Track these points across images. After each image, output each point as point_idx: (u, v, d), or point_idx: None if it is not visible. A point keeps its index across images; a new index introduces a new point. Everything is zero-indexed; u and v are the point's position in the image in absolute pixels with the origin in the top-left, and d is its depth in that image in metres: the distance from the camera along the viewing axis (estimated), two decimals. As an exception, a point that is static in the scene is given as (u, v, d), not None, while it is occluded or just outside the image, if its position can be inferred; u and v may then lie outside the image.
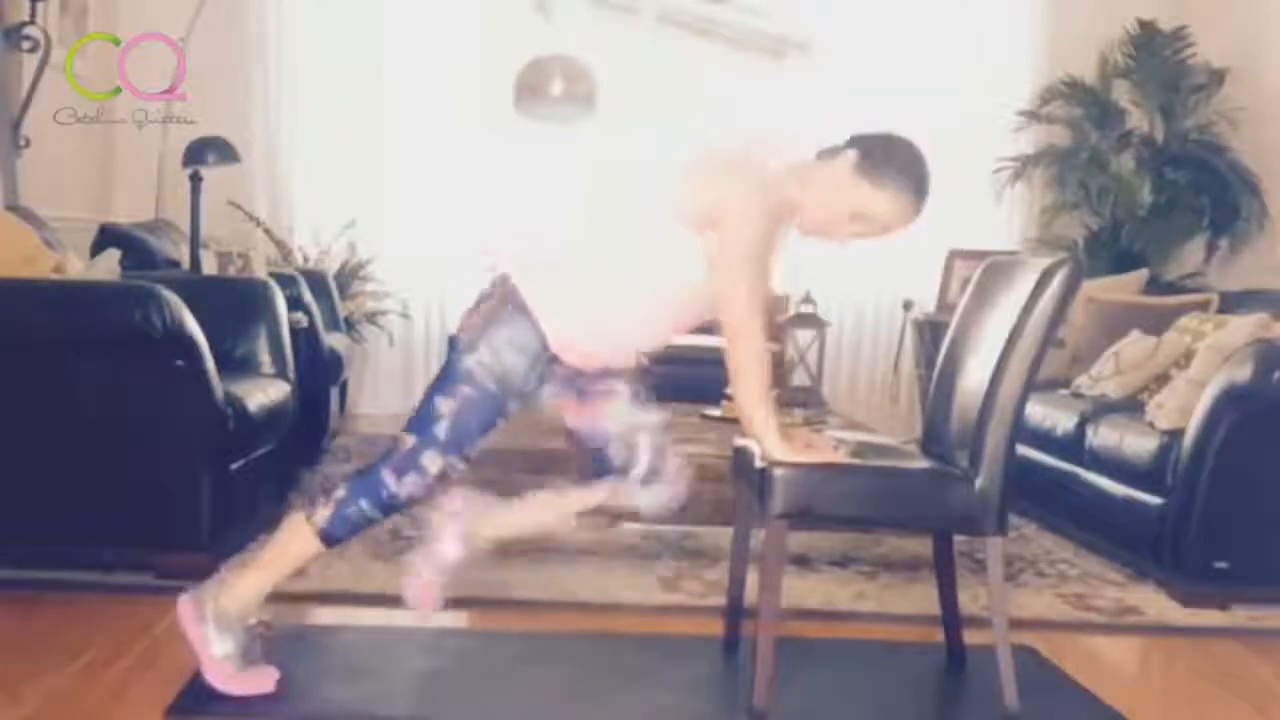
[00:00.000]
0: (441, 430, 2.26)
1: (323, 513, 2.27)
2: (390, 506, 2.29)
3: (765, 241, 2.25)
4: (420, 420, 2.28)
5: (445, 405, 2.26)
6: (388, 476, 2.26)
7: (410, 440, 2.27)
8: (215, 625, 2.27)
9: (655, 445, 2.43)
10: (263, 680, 2.29)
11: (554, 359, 2.29)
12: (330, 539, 2.29)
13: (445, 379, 2.29)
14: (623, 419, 2.42)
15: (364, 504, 2.27)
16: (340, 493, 2.28)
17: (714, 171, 2.29)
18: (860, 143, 2.31)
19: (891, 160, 2.29)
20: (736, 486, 2.68)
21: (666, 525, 3.56)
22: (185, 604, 2.30)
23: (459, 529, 2.43)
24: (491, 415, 2.29)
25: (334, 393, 4.70)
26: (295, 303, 4.08)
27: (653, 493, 2.43)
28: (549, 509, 2.48)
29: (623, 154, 5.24)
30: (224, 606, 2.28)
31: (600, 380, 2.41)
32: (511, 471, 3.42)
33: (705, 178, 2.28)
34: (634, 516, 2.50)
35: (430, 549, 2.43)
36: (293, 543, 2.31)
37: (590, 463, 2.46)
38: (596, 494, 2.45)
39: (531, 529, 2.55)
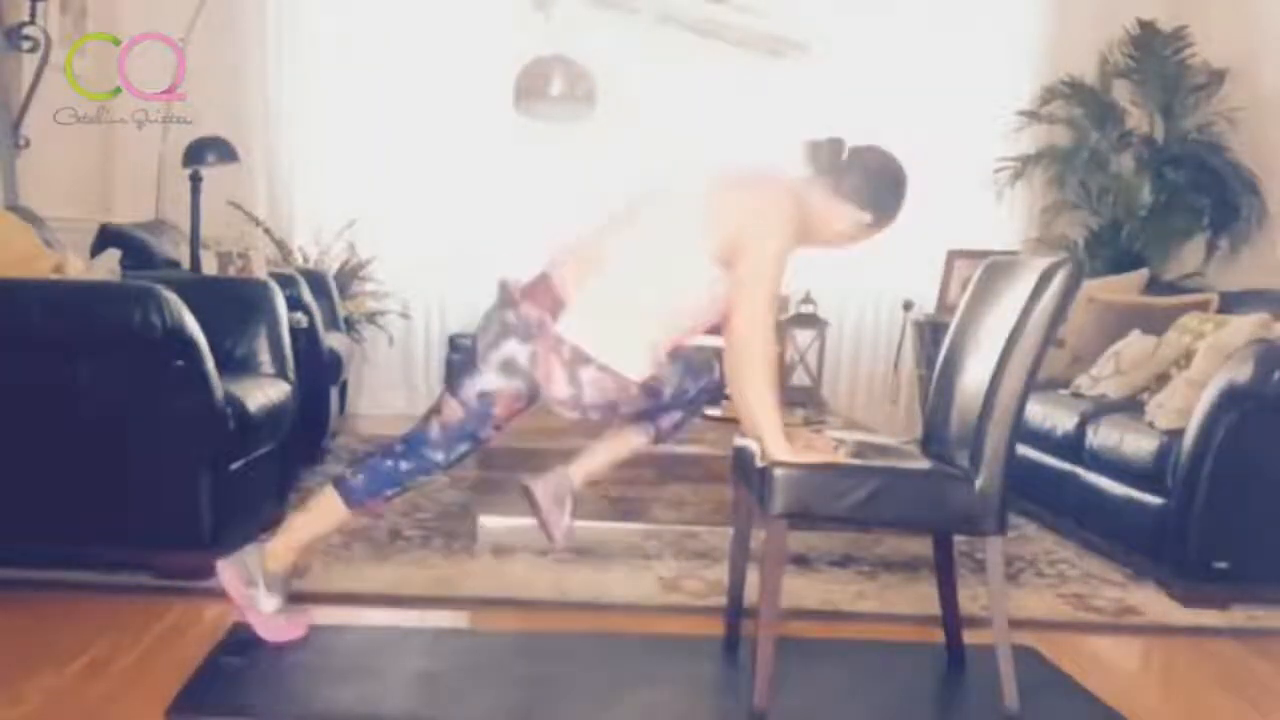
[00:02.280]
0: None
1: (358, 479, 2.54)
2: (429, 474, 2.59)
3: (787, 257, 2.41)
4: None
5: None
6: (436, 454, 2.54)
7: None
8: (266, 586, 2.55)
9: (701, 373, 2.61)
10: (301, 624, 2.60)
11: None
12: (359, 504, 2.57)
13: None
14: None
15: (403, 465, 2.54)
16: (388, 463, 2.54)
17: (743, 191, 2.43)
18: (876, 204, 2.50)
19: (896, 207, 2.53)
20: (736, 486, 2.68)
21: (666, 525, 3.57)
22: (228, 569, 2.55)
23: (551, 489, 2.67)
24: None
25: (334, 393, 4.70)
26: (295, 303, 4.08)
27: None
28: (618, 443, 2.69)
29: (623, 168, 5.31)
30: (271, 569, 2.56)
31: None
32: (512, 471, 3.43)
33: (735, 196, 2.42)
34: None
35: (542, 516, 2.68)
36: (327, 511, 2.58)
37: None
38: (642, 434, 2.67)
39: (608, 462, 2.73)
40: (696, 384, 2.57)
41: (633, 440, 2.67)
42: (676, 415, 2.62)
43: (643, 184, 2.59)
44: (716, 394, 2.64)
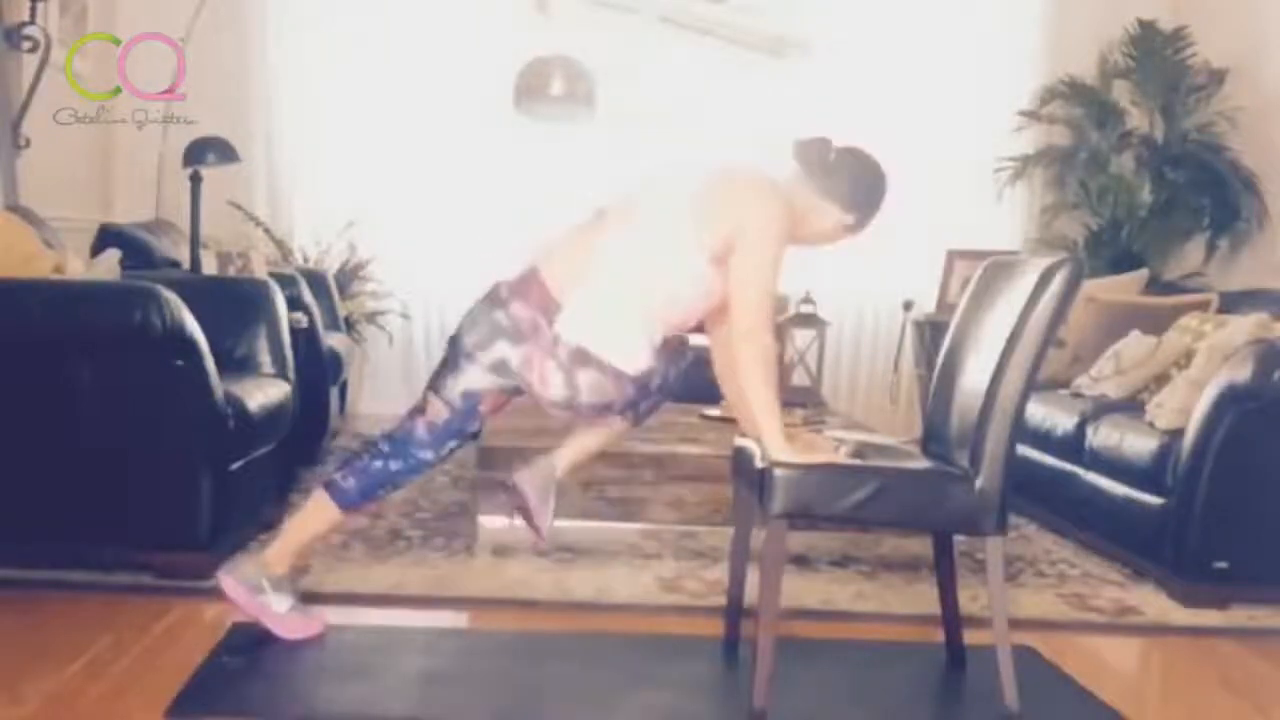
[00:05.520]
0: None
1: (349, 483, 2.57)
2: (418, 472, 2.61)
3: (782, 255, 2.41)
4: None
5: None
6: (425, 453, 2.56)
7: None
8: (273, 589, 2.57)
9: None
10: (316, 621, 2.63)
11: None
12: (353, 506, 2.61)
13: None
14: None
15: (393, 465, 2.56)
16: (377, 464, 2.56)
17: (735, 188, 2.43)
18: (857, 206, 2.51)
19: (874, 213, 2.55)
20: (736, 486, 2.68)
21: (666, 525, 3.57)
22: (229, 581, 2.58)
23: (537, 482, 2.68)
24: None
25: (334, 393, 4.70)
26: (295, 303, 4.08)
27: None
28: (600, 430, 2.69)
29: (623, 167, 5.32)
30: (274, 571, 2.59)
31: None
32: (512, 471, 3.43)
33: (732, 194, 2.42)
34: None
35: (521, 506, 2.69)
36: (321, 514, 2.60)
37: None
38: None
39: (592, 450, 2.76)
40: (675, 368, 2.57)
41: (615, 426, 2.66)
42: (655, 400, 2.60)
43: (633, 182, 2.58)
44: (686, 377, 2.65)
